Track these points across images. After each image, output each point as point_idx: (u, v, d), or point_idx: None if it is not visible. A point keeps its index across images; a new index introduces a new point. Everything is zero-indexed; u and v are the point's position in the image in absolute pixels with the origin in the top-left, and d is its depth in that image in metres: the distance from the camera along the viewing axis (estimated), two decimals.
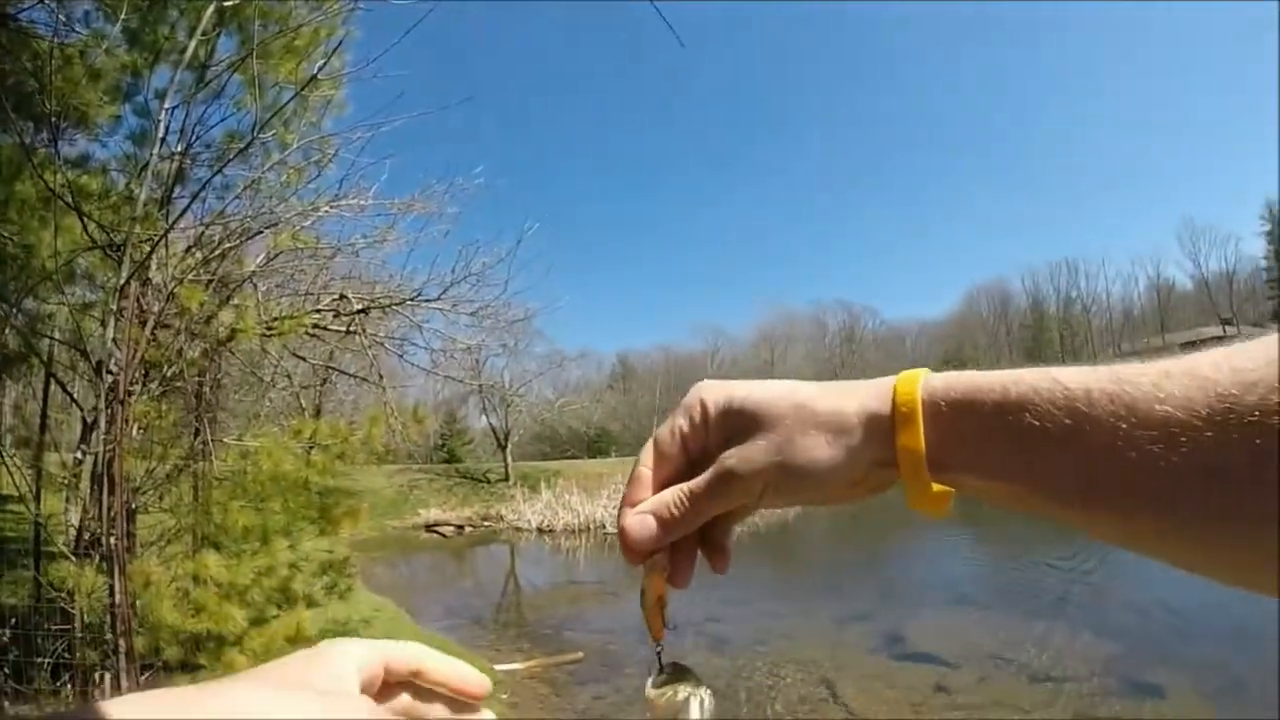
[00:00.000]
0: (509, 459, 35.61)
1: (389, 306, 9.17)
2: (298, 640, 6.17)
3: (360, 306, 8.69)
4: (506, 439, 36.08)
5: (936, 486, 0.53)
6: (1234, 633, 7.79)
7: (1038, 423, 0.46)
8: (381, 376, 9.51)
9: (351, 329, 8.77)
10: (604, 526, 19.44)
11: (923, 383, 0.52)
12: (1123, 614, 9.04)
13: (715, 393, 0.58)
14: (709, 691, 0.55)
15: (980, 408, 0.49)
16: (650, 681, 0.55)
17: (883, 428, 0.53)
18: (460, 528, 24.67)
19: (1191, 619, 8.42)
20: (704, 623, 10.11)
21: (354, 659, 0.50)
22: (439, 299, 9.42)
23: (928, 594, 10.98)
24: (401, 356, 10.38)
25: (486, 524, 25.06)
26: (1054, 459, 0.46)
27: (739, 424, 0.56)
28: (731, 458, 0.55)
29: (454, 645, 9.75)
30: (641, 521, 0.57)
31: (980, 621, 9.17)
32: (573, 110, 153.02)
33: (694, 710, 0.53)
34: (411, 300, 9.21)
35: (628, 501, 0.59)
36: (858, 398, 0.54)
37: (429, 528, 24.78)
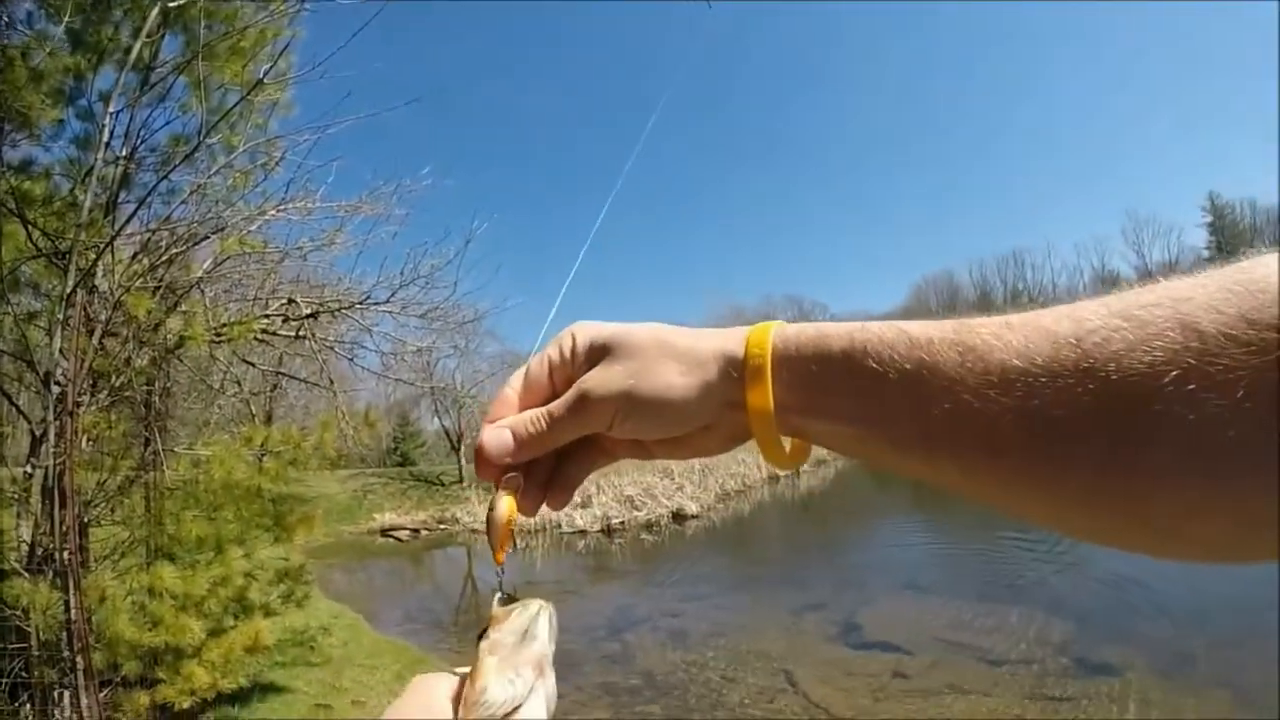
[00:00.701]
0: (463, 461, 35.29)
1: (338, 310, 9.05)
2: (256, 649, 6.10)
3: (309, 311, 8.58)
4: (460, 441, 35.72)
5: (789, 441, 0.56)
6: (1188, 610, 8.01)
7: (879, 367, 0.48)
8: (332, 381, 9.40)
9: (301, 334, 8.65)
10: (559, 526, 19.37)
11: (775, 330, 0.54)
12: (1077, 594, 9.24)
13: (586, 329, 0.60)
14: (553, 608, 0.56)
15: (826, 353, 0.51)
16: (496, 599, 0.57)
17: (735, 365, 0.54)
18: (416, 531, 24.35)
19: (1145, 597, 8.63)
20: (661, 618, 10.16)
21: (443, 690, 0.53)
22: (388, 301, 9.33)
23: (883, 581, 11.11)
24: (352, 360, 10.27)
25: (442, 527, 24.74)
26: (894, 402, 0.47)
27: (602, 355, 0.58)
28: (588, 380, 0.57)
29: (414, 649, 9.70)
30: (498, 435, 0.59)
31: (935, 606, 9.31)
32: (520, 110, 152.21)
33: (542, 624, 0.54)
34: (360, 303, 9.10)
35: (488, 419, 0.61)
36: (715, 339, 0.56)
37: (384, 532, 24.44)
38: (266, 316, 8.37)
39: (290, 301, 8.62)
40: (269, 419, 15.83)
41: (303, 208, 7.84)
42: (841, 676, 7.23)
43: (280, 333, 8.72)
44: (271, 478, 6.34)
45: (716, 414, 0.56)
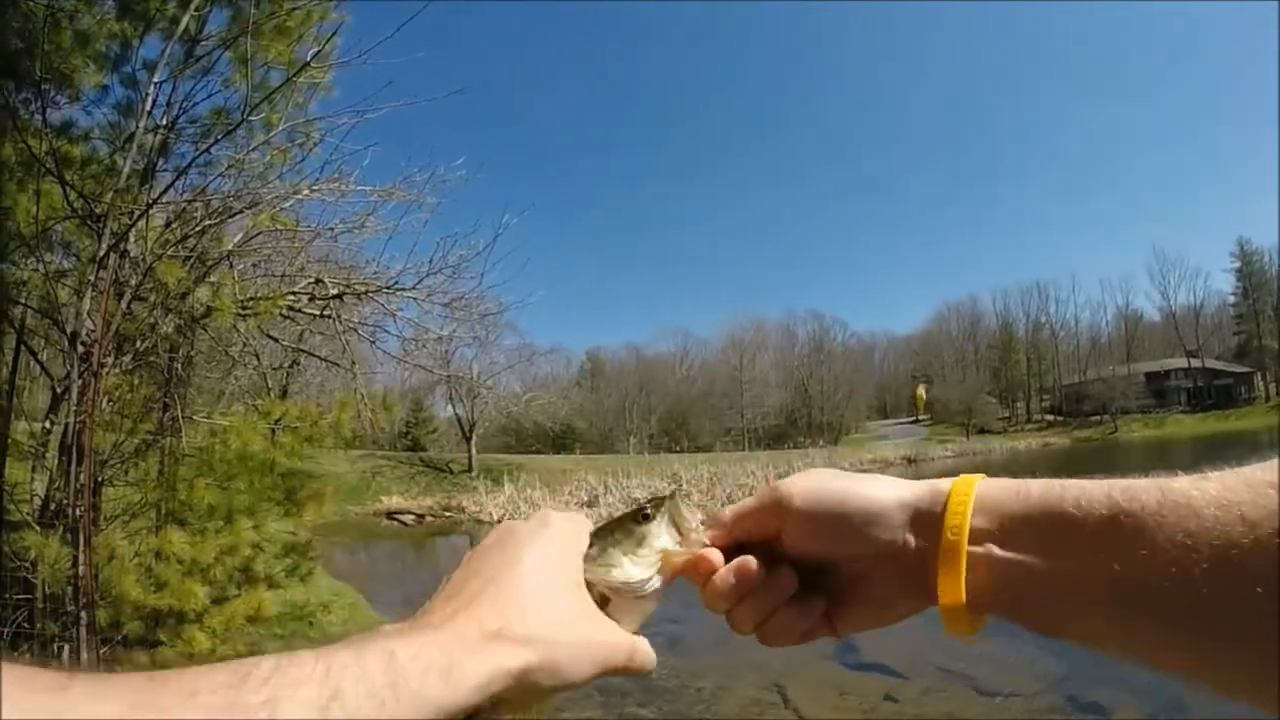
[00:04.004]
0: (473, 450, 35.41)
1: (364, 293, 9.11)
2: (258, 620, 6.16)
3: (336, 291, 8.64)
4: (472, 430, 35.85)
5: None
6: None
7: (1076, 512, 0.48)
8: (354, 362, 9.45)
9: (326, 313, 8.71)
10: None
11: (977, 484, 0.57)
12: None
13: (803, 516, 0.65)
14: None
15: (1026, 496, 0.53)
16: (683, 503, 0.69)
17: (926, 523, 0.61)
18: (421, 516, 24.49)
19: None
20: (659, 623, 10.08)
21: (577, 542, 0.62)
22: (414, 288, 9.37)
23: None
24: (374, 343, 10.32)
25: (448, 514, 24.86)
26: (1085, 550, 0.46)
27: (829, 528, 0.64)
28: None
29: None
30: (726, 583, 0.67)
31: (932, 632, 9.20)
32: (558, 113, 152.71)
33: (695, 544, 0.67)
34: (387, 288, 9.15)
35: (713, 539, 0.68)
36: (902, 493, 0.61)
37: (390, 515, 24.60)
38: (293, 294, 8.44)
39: (318, 281, 8.68)
40: (284, 394, 15.96)
41: (337, 189, 7.91)
42: (834, 695, 7.20)
43: (305, 310, 8.79)
44: (286, 452, 6.39)
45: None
